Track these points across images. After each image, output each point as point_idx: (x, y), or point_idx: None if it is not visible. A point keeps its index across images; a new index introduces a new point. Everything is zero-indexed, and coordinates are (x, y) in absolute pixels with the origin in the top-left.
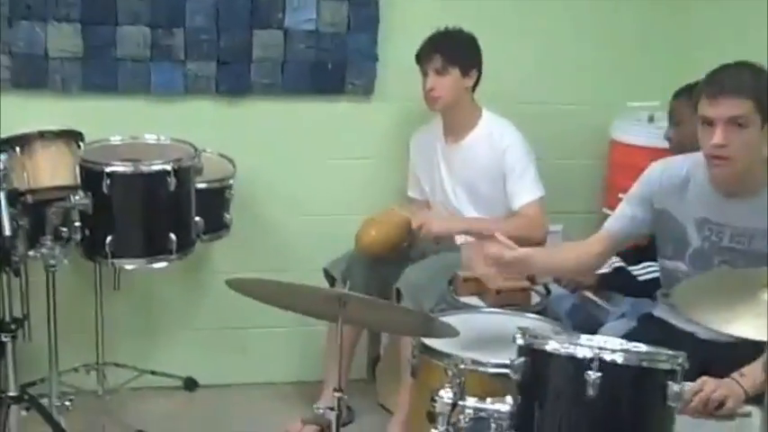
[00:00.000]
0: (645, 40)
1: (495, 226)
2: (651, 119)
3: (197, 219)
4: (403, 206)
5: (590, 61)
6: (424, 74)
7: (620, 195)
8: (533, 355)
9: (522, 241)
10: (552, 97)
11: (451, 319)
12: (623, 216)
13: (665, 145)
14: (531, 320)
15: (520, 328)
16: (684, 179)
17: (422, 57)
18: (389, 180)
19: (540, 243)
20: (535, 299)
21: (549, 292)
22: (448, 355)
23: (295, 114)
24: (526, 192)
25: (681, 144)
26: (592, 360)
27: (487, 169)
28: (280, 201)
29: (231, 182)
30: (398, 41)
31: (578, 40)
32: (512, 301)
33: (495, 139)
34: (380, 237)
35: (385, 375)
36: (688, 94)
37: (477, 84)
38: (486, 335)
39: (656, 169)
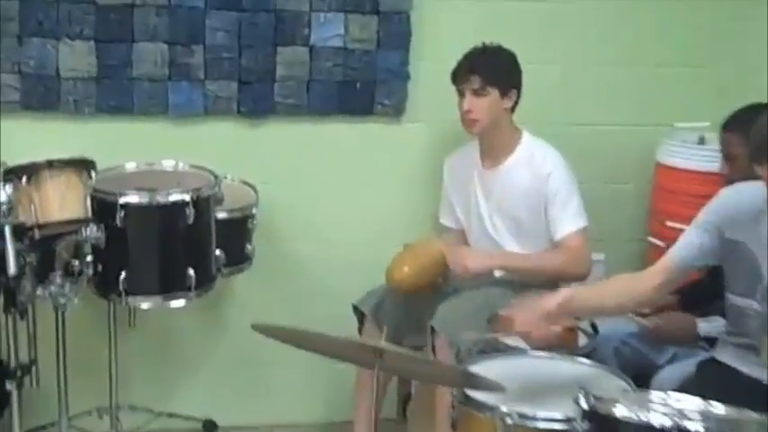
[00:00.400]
0: (694, 56)
1: (536, 260)
2: (701, 141)
3: (217, 252)
4: (441, 237)
5: (634, 79)
6: (461, 94)
7: (668, 222)
8: (599, 420)
9: (564, 276)
10: (593, 117)
11: (493, 364)
12: (690, 244)
13: (716, 168)
14: (584, 367)
15: (581, 388)
16: (761, 208)
17: (458, 76)
18: (422, 207)
19: (583, 277)
20: (582, 339)
21: (596, 331)
22: (491, 408)
23: (321, 137)
24: (569, 221)
25: (736, 181)
26: (670, 429)
27: (528, 195)
28: (305, 229)
29: (254, 210)
30: (431, 59)
31: (622, 57)
32: (557, 342)
33: (536, 163)
34: (414, 273)
35: (417, 415)
36: (738, 125)
37: (516, 104)
38: (533, 382)
39: (729, 196)
